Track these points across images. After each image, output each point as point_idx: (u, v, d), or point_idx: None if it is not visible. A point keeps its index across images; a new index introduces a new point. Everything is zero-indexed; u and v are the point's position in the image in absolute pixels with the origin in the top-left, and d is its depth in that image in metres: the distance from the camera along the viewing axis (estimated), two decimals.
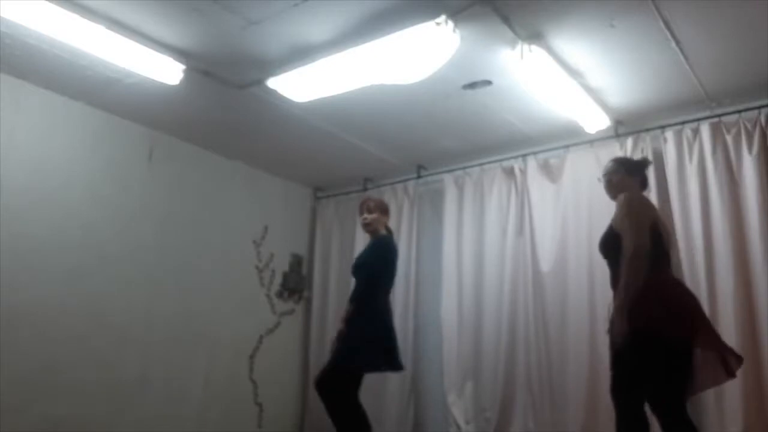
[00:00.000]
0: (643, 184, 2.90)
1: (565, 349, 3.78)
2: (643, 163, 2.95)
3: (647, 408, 2.48)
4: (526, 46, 3.00)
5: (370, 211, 3.53)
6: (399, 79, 3.24)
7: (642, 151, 3.80)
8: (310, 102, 3.63)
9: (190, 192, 4.47)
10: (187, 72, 3.34)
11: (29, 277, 3.50)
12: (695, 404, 3.36)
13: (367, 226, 3.54)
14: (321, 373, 3.33)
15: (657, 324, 2.38)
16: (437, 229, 4.67)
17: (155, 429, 3.95)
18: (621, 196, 2.69)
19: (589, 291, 3.75)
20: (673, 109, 3.66)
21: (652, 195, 3.67)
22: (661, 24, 2.85)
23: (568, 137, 4.02)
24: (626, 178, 2.84)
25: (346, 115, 3.96)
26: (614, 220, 2.66)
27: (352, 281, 3.50)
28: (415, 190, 4.90)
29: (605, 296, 3.70)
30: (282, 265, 5.08)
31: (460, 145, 4.40)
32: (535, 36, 2.98)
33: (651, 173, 3.69)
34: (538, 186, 4.19)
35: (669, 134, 3.72)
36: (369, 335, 3.23)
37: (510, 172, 4.37)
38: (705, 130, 3.59)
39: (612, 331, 2.52)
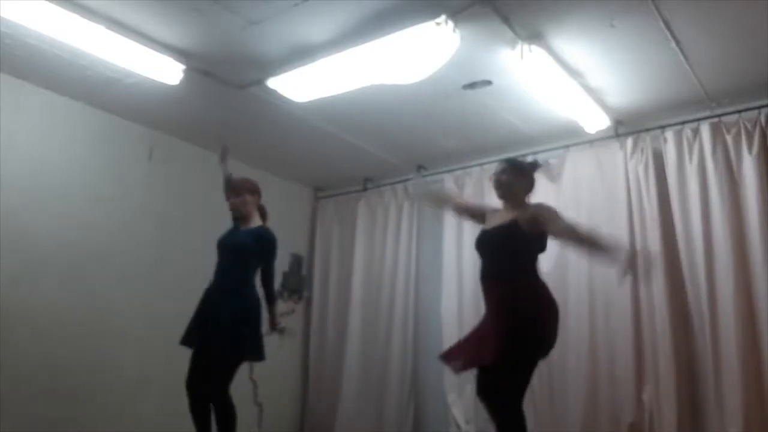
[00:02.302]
0: (529, 186, 2.88)
1: (565, 349, 3.76)
2: (533, 165, 2.95)
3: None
4: (526, 46, 3.00)
5: (237, 194, 3.27)
6: (399, 79, 3.24)
7: (642, 151, 3.80)
8: (310, 102, 3.63)
9: (190, 192, 4.46)
10: (187, 72, 3.34)
11: (29, 277, 3.50)
12: (696, 404, 3.37)
13: (235, 211, 3.29)
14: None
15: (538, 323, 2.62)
16: (437, 229, 4.67)
17: (155, 429, 3.95)
18: (540, 206, 2.79)
19: (588, 291, 3.75)
20: (673, 109, 3.66)
21: (651, 195, 3.68)
22: (661, 24, 2.85)
23: (568, 137, 4.02)
24: (514, 178, 2.84)
25: (346, 115, 3.96)
26: (525, 219, 2.69)
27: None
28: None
29: (605, 296, 3.72)
30: (282, 265, 5.07)
31: (460, 145, 4.40)
32: (535, 36, 2.98)
33: (650, 173, 3.72)
34: (538, 186, 4.18)
35: (669, 134, 3.72)
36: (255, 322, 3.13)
37: None
38: (705, 130, 3.59)
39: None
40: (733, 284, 3.28)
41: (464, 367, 2.78)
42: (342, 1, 2.76)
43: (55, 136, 3.74)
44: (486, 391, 2.60)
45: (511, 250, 2.71)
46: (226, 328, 3.00)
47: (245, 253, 3.19)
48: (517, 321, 2.53)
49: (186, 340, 3.17)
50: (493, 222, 2.85)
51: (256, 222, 3.31)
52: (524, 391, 2.58)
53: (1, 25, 2.96)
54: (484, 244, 2.84)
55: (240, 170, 4.84)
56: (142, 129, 4.18)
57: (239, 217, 3.32)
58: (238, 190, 3.30)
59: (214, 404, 3.04)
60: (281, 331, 3.34)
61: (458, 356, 2.79)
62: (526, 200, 2.84)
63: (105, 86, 3.61)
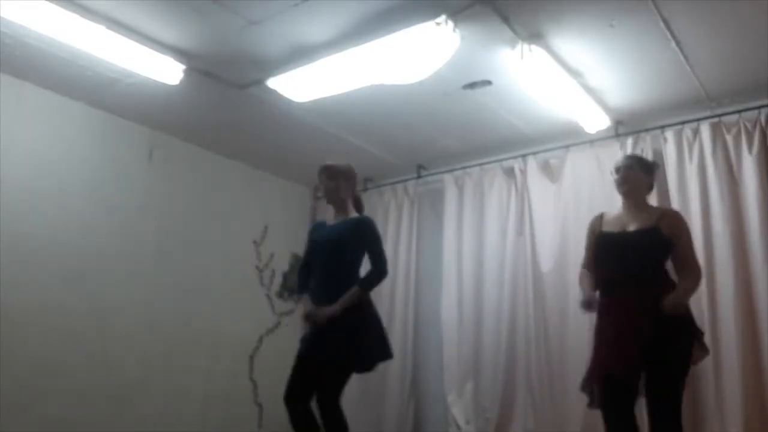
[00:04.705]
0: (650, 186, 2.91)
1: (565, 348, 3.78)
2: (654, 166, 2.98)
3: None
4: (526, 46, 3.00)
5: (331, 178, 2.98)
6: (399, 79, 3.24)
7: (642, 151, 3.79)
8: (310, 102, 3.64)
9: (190, 192, 4.46)
10: (187, 72, 3.34)
11: (29, 277, 3.50)
12: (696, 405, 3.37)
13: (328, 197, 3.05)
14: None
15: None
16: (437, 229, 4.67)
17: (155, 429, 3.95)
18: (675, 212, 2.93)
19: None
20: (673, 109, 3.66)
21: (652, 194, 3.67)
22: (661, 24, 2.85)
23: (568, 137, 4.02)
24: (641, 176, 2.84)
25: (346, 115, 3.96)
26: (667, 227, 2.66)
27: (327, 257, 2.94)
28: (415, 190, 4.90)
29: None
30: (282, 265, 5.08)
31: (460, 145, 4.40)
32: (535, 36, 2.98)
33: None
34: (538, 186, 4.19)
35: (669, 134, 3.72)
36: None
37: (510, 172, 4.37)
38: (705, 130, 3.59)
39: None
40: (733, 284, 3.28)
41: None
42: (342, 1, 2.76)
43: (55, 136, 3.74)
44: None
45: (655, 257, 2.66)
46: (335, 331, 2.73)
47: (342, 250, 2.88)
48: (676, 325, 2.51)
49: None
50: (619, 224, 2.78)
51: (351, 212, 3.02)
52: None
53: (1, 25, 2.96)
54: (620, 246, 2.72)
55: (240, 170, 4.88)
56: (142, 129, 4.18)
57: (333, 204, 3.05)
58: (332, 175, 2.98)
59: (324, 418, 2.75)
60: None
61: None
62: (647, 200, 2.87)
63: (105, 86, 3.61)
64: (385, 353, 2.88)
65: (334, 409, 2.75)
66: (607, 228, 2.82)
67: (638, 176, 2.82)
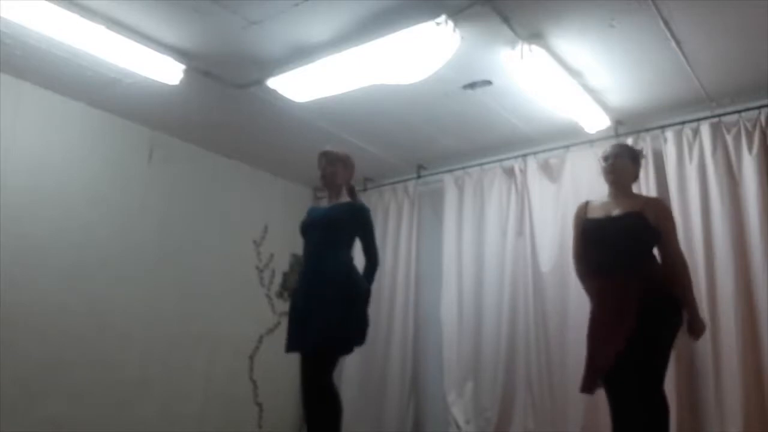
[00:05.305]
0: (636, 175, 2.95)
1: (565, 348, 3.78)
2: (641, 154, 3.02)
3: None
4: (526, 46, 3.00)
5: (330, 163, 3.06)
6: (399, 79, 3.24)
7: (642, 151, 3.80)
8: (310, 102, 3.64)
9: (190, 192, 4.47)
10: (187, 72, 3.34)
11: (29, 277, 3.50)
12: (696, 404, 3.37)
13: (325, 180, 3.08)
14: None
15: None
16: (437, 229, 4.67)
17: (155, 429, 3.95)
18: (659, 200, 2.94)
19: None
20: (673, 109, 3.66)
21: (652, 195, 3.68)
22: (661, 24, 2.85)
23: (568, 137, 4.02)
24: (629, 164, 2.88)
25: (346, 115, 3.96)
26: (652, 215, 2.69)
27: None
28: (415, 190, 4.91)
29: None
30: (282, 265, 5.08)
31: (460, 145, 4.40)
32: (535, 36, 2.98)
33: (650, 173, 3.72)
34: (538, 186, 4.19)
35: (669, 134, 3.72)
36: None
37: (510, 172, 4.37)
38: (705, 130, 3.59)
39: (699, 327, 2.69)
40: (733, 284, 3.28)
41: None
42: (342, 1, 2.76)
43: (55, 136, 3.74)
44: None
45: (640, 239, 2.69)
46: (327, 309, 2.74)
47: (337, 227, 2.93)
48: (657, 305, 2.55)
49: (291, 346, 2.86)
50: (604, 210, 2.81)
51: (345, 198, 3.09)
52: None
53: (1, 25, 2.96)
54: (605, 231, 2.75)
55: (240, 170, 4.88)
56: (142, 129, 4.18)
57: (328, 189, 3.12)
58: (332, 160, 3.07)
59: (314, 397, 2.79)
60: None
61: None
62: (633, 189, 2.90)
63: (105, 86, 3.61)
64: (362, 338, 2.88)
65: (322, 388, 2.77)
66: (592, 214, 2.86)
67: (626, 164, 2.86)
